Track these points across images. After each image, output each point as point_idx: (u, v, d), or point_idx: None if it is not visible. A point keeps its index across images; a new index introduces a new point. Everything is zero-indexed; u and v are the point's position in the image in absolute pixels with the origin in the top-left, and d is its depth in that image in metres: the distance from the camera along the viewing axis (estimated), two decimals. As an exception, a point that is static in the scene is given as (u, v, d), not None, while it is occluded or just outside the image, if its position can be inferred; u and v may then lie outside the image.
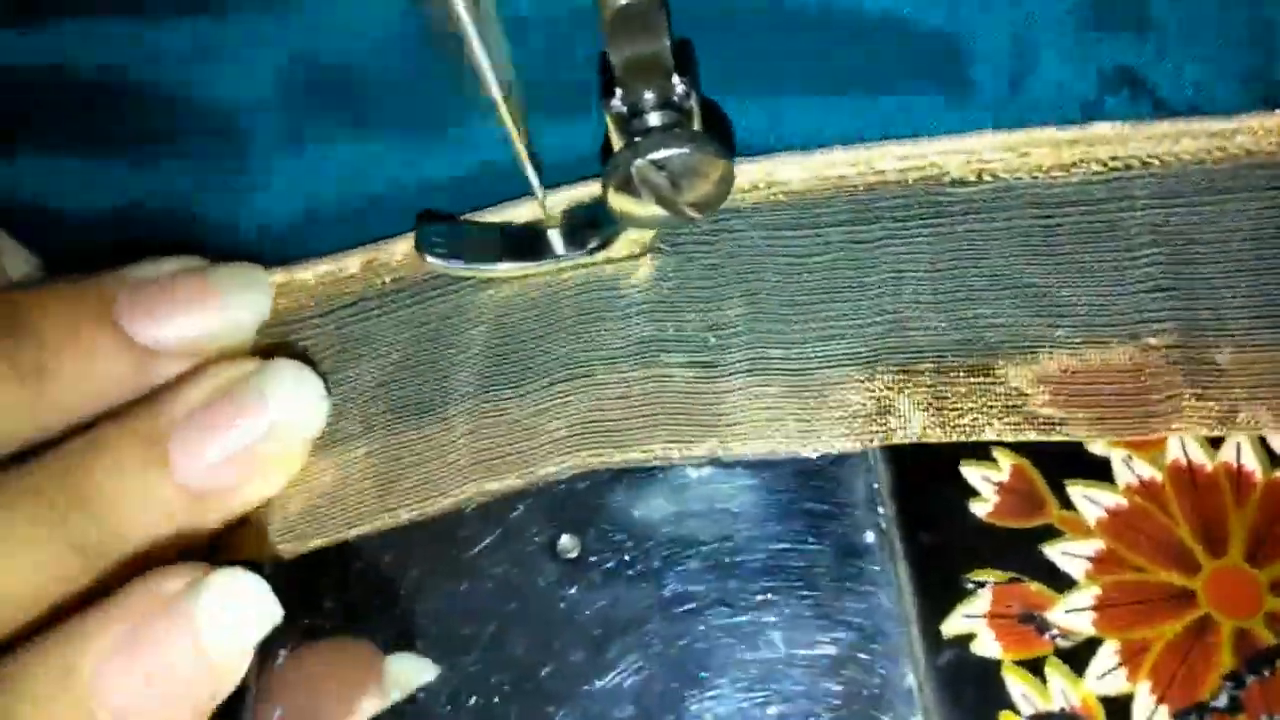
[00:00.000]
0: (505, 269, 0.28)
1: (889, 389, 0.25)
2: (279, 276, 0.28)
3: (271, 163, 0.28)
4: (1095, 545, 0.24)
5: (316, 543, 0.26)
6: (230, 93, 0.28)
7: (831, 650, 0.24)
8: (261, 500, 0.26)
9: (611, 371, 0.26)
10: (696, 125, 0.24)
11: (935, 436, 0.25)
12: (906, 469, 0.25)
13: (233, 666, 0.22)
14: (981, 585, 0.24)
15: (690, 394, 0.26)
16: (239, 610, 0.22)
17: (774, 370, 0.26)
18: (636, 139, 0.24)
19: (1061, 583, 0.24)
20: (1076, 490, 0.24)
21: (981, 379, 0.25)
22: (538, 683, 0.24)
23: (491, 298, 0.28)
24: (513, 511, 0.26)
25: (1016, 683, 0.23)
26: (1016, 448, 0.25)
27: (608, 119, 0.24)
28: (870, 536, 0.25)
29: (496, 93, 0.22)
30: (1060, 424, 0.25)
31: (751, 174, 0.27)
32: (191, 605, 0.21)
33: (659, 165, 0.24)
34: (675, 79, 0.24)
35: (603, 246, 0.27)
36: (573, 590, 0.25)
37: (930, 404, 0.25)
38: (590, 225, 0.28)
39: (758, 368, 0.26)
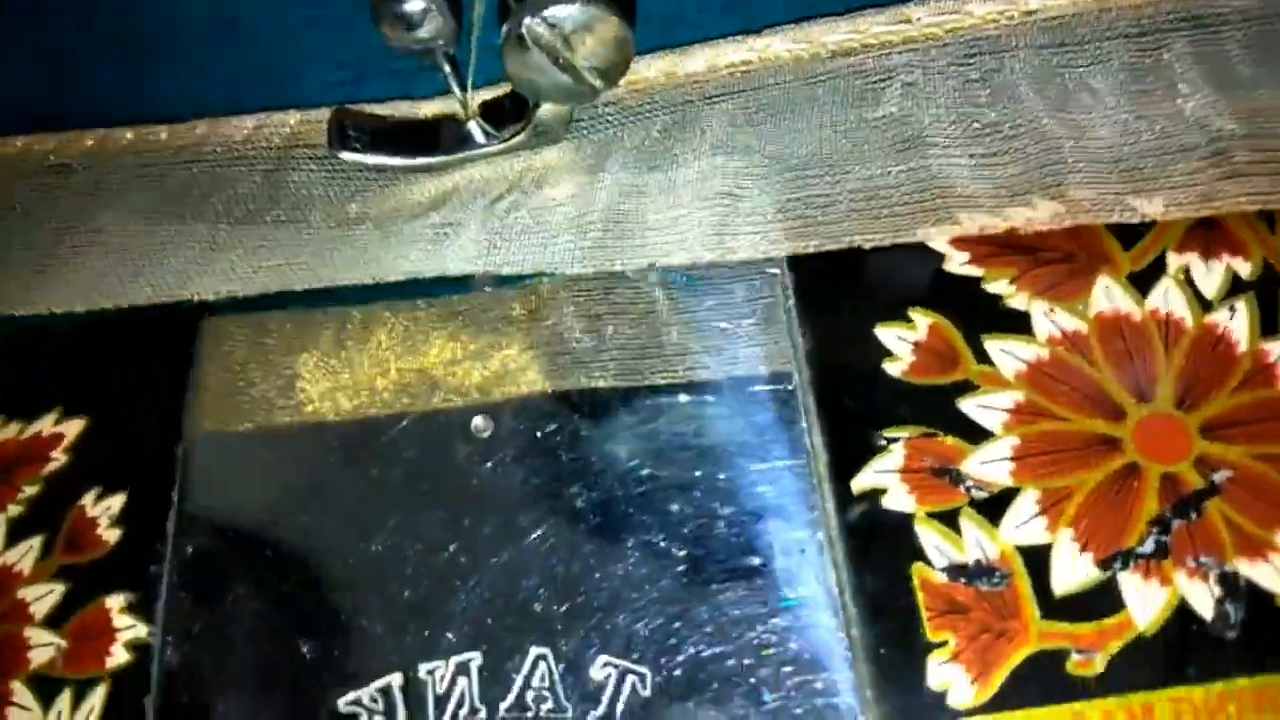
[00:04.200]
0: (422, 161, 0.28)
1: None
2: None
3: None
4: (1014, 397, 0.23)
5: None
6: None
7: (741, 513, 0.23)
8: None
9: None
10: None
11: None
12: (823, 333, 0.24)
13: None
14: (894, 441, 0.23)
15: None
16: None
17: None
18: (529, -1, 0.24)
19: (977, 435, 0.23)
20: (994, 344, 0.23)
21: None
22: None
23: None
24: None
25: (930, 534, 0.22)
26: (934, 307, 0.24)
27: (504, -13, 0.24)
28: (785, 404, 0.24)
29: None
30: None
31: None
32: None
33: (550, 23, 0.23)
34: (570, -56, 0.24)
35: (518, 134, 0.27)
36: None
37: None
38: (507, 115, 0.28)
39: None
